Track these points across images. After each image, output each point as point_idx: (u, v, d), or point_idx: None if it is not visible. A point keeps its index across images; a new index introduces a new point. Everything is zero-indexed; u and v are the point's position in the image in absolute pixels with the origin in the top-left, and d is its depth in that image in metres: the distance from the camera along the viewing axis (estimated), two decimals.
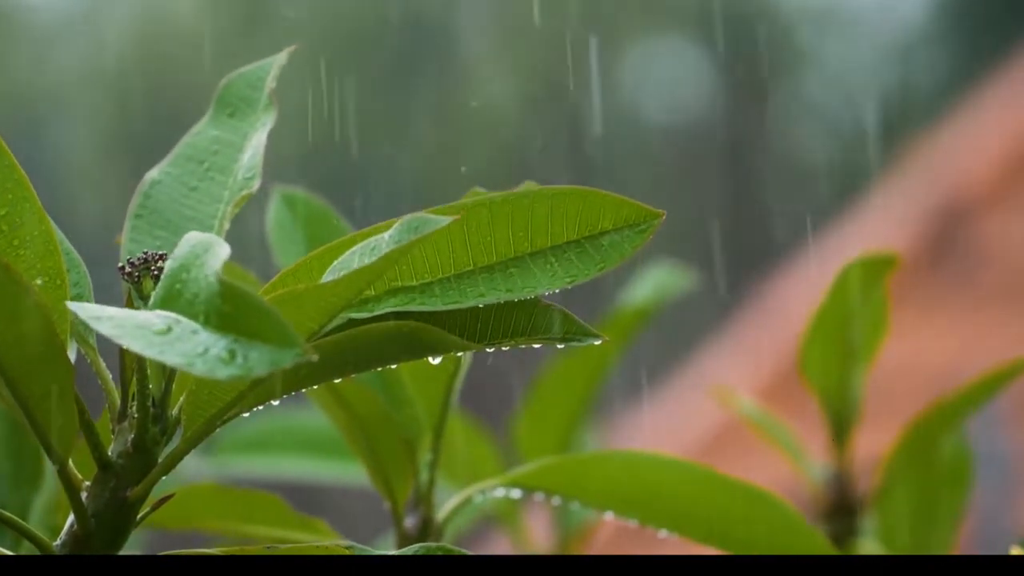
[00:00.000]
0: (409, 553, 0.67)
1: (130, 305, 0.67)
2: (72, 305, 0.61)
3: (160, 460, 0.67)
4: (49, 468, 0.95)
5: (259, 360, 0.55)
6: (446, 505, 0.93)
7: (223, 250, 0.60)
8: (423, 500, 0.93)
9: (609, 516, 0.90)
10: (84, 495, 0.67)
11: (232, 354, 0.56)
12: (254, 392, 0.63)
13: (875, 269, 1.20)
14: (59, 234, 0.70)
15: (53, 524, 0.93)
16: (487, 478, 1.34)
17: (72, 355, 0.67)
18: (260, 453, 1.19)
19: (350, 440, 0.90)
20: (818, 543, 0.89)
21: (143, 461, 0.66)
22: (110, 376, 0.69)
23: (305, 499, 1.07)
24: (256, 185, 0.73)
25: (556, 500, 0.91)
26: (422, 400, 0.92)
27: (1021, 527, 2.56)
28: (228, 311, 0.57)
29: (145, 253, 0.67)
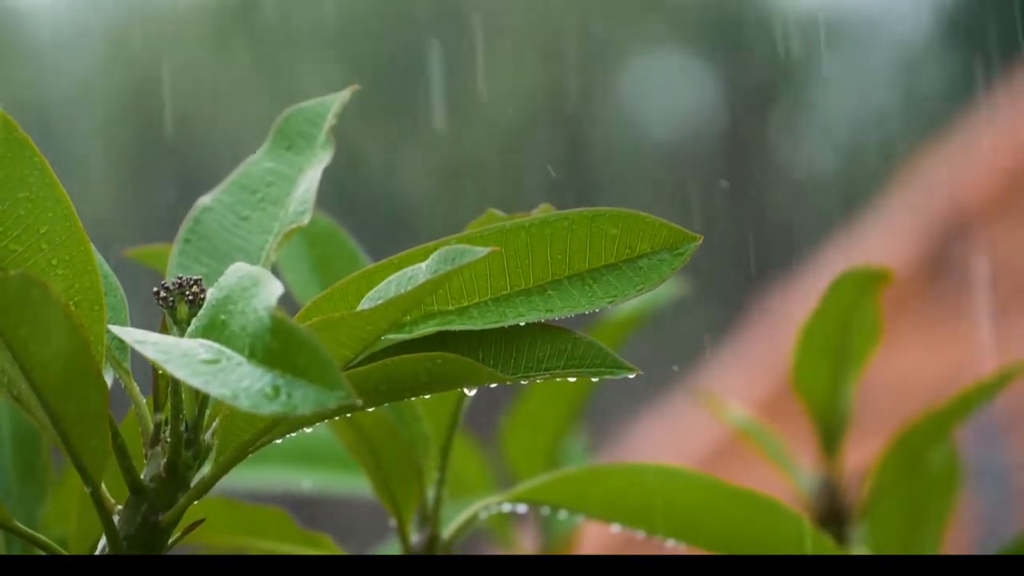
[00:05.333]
0: None
1: (164, 329, 0.68)
2: (116, 329, 0.63)
3: (192, 485, 0.68)
4: (54, 482, 0.96)
5: (304, 399, 0.57)
6: (452, 522, 0.95)
7: (276, 287, 0.61)
8: (430, 518, 0.94)
9: (615, 528, 0.92)
10: (116, 518, 0.68)
11: (276, 390, 0.57)
12: (288, 420, 0.64)
13: (864, 282, 1.21)
14: (98, 257, 0.71)
15: (58, 536, 0.94)
16: (476, 488, 1.35)
17: (108, 379, 0.67)
18: (264, 464, 1.20)
19: (356, 456, 0.91)
20: (826, 548, 0.90)
21: (175, 485, 0.68)
22: (143, 400, 0.70)
23: (308, 512, 1.08)
24: (307, 219, 0.74)
25: (563, 514, 0.92)
26: (430, 418, 0.94)
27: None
28: (276, 347, 0.58)
29: (180, 278, 0.68)
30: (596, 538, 1.64)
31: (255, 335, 0.59)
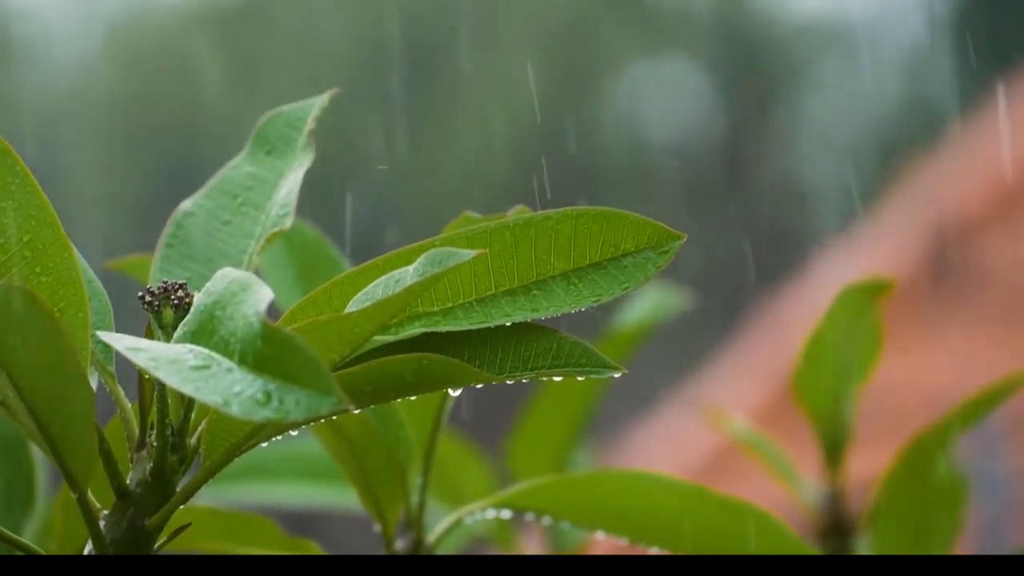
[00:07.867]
0: None
1: (149, 334, 0.70)
2: (106, 336, 0.64)
3: (178, 489, 0.70)
4: (41, 494, 0.99)
5: (296, 405, 0.59)
6: (437, 527, 0.97)
7: (265, 292, 0.63)
8: (414, 522, 0.97)
9: (600, 535, 0.94)
10: (102, 523, 0.70)
11: (268, 396, 0.59)
12: (274, 423, 0.65)
13: (869, 295, 1.24)
14: (81, 262, 0.73)
15: (46, 549, 0.97)
16: (479, 499, 1.38)
17: (93, 383, 0.70)
18: (255, 480, 1.22)
19: (340, 462, 0.93)
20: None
21: (161, 490, 0.70)
22: (128, 405, 0.73)
23: (296, 524, 1.11)
24: (289, 223, 0.76)
25: (546, 520, 0.94)
26: (413, 422, 0.96)
27: (1021, 543, 2.60)
28: (268, 353, 0.60)
29: (164, 282, 0.70)
30: (605, 549, 1.67)
31: (245, 341, 0.61)
